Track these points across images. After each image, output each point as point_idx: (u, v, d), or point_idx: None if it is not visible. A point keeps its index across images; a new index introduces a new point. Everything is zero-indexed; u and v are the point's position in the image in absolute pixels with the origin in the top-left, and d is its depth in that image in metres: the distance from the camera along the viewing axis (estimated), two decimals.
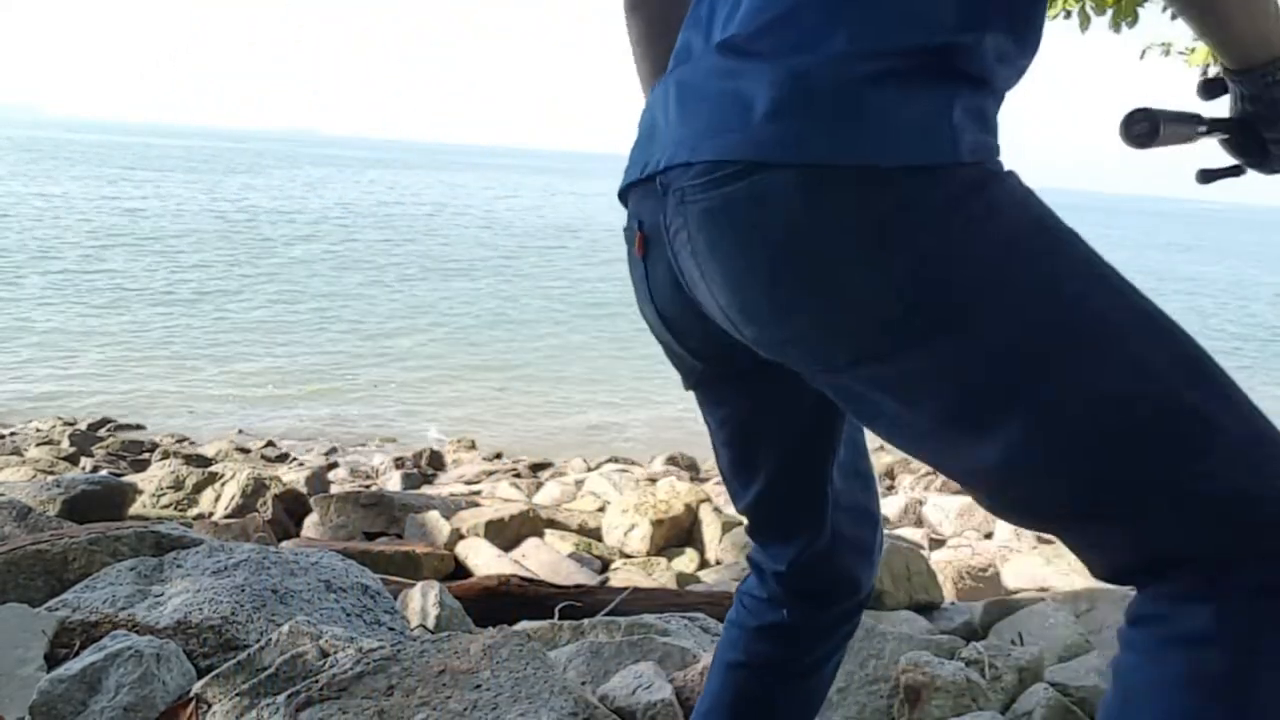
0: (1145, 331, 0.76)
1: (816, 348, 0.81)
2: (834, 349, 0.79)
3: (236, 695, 1.62)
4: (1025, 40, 0.81)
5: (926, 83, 0.75)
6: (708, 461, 9.51)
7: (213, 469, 6.46)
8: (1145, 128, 0.92)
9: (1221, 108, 1.00)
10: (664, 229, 0.86)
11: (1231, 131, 0.98)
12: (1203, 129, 0.97)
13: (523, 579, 3.33)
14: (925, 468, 9.26)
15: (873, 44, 0.76)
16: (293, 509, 5.54)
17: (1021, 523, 0.81)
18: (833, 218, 0.74)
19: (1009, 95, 0.85)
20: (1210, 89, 1.00)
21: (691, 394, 1.10)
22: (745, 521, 1.14)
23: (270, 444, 9.27)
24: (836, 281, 0.76)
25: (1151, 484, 0.71)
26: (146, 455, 8.56)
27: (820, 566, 1.09)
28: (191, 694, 1.72)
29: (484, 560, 4.55)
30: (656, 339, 1.06)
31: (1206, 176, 1.06)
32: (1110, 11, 3.83)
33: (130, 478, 6.46)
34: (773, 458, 1.04)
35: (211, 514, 5.48)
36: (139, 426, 9.60)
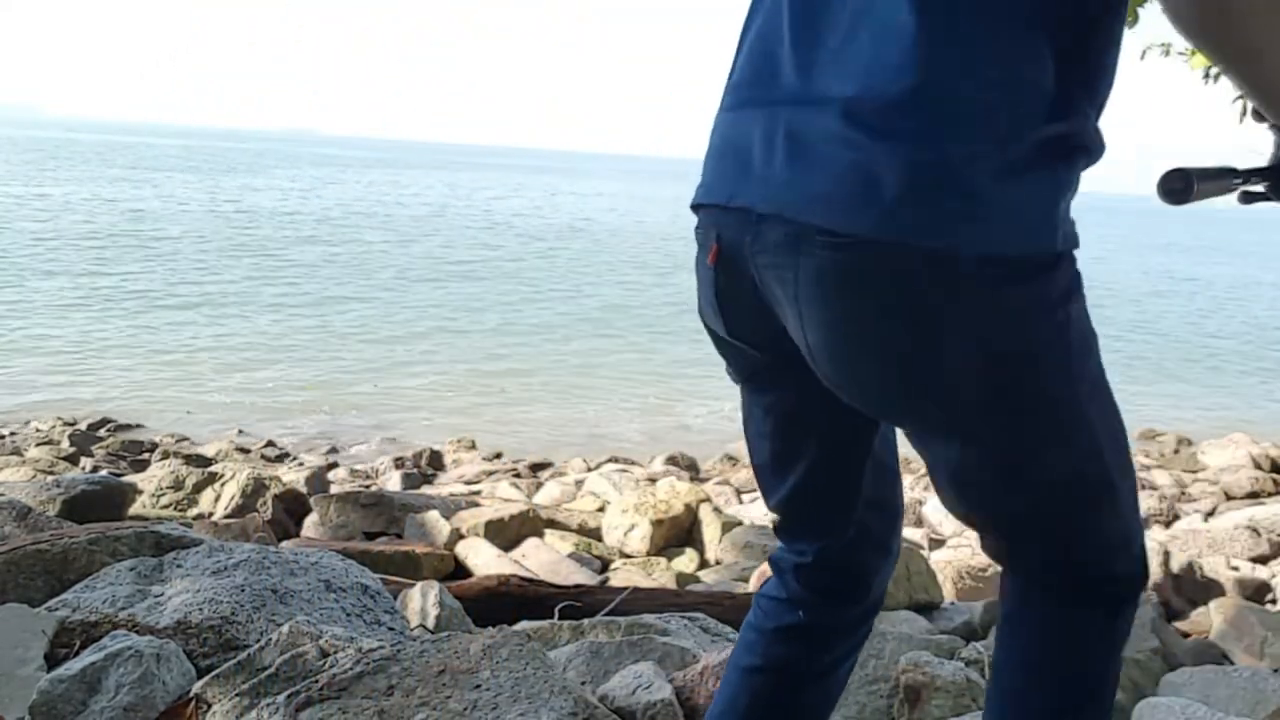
0: (1115, 433, 0.99)
1: (890, 403, 0.97)
2: (906, 407, 0.96)
3: (236, 695, 1.62)
4: (1105, 99, 0.93)
5: (1045, 171, 0.86)
6: (708, 461, 9.52)
7: (213, 469, 6.46)
8: (1180, 185, 1.00)
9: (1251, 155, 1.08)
10: (748, 253, 0.95)
11: (1271, 179, 1.08)
12: (1238, 180, 1.06)
13: (523, 579, 3.33)
14: (925, 468, 9.25)
15: (1002, 137, 0.84)
16: (293, 509, 5.54)
17: (979, 514, 1.04)
18: (947, 299, 0.86)
19: None
20: (1249, 198, 1.13)
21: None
22: (774, 519, 1.19)
23: (270, 444, 9.27)
24: (936, 354, 0.88)
25: (1076, 515, 0.99)
26: (146, 455, 8.56)
27: (844, 562, 1.15)
28: (191, 694, 1.72)
29: (484, 560, 4.56)
30: (712, 333, 1.15)
31: (1248, 198, 1.14)
32: None
33: (130, 478, 6.46)
34: (815, 448, 1.11)
35: (211, 514, 5.48)
36: (139, 426, 9.60)
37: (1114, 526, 0.99)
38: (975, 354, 0.88)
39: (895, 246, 0.84)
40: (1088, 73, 0.89)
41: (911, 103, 0.84)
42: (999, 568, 1.08)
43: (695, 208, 1.06)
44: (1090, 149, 0.90)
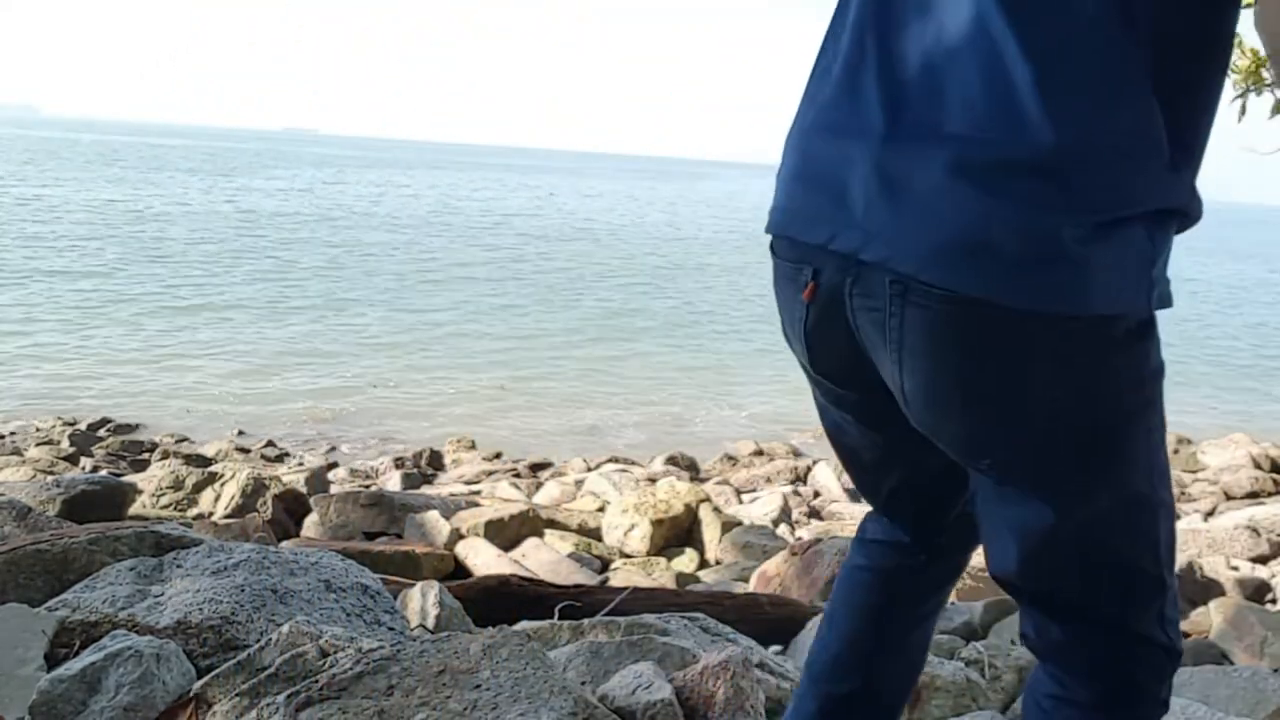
0: (1163, 468, 0.99)
1: (983, 453, 0.97)
2: (1000, 459, 0.96)
3: (236, 695, 1.62)
4: (1201, 161, 0.94)
5: (1148, 237, 0.88)
6: (708, 461, 9.52)
7: (213, 469, 6.46)
8: None
9: None
10: (847, 295, 0.97)
11: None
12: None
13: (523, 579, 3.33)
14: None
15: (1115, 204, 0.85)
16: (293, 509, 5.54)
17: (1042, 583, 1.02)
18: (1053, 358, 0.89)
19: None
20: None
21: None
22: (883, 513, 1.25)
23: (270, 444, 9.27)
24: (1037, 408, 0.91)
25: (1140, 583, 1.00)
26: (146, 455, 8.56)
27: (954, 531, 1.22)
28: (191, 694, 1.72)
29: (484, 560, 4.56)
30: (798, 360, 1.14)
31: None
32: None
33: (130, 478, 6.46)
34: (902, 471, 1.18)
35: (211, 514, 5.48)
36: (139, 426, 9.60)
37: (1163, 599, 0.99)
38: (1073, 409, 0.91)
39: (1006, 309, 0.86)
40: (1192, 136, 0.91)
41: (1029, 165, 0.85)
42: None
43: (781, 237, 1.06)
44: (1189, 213, 0.92)
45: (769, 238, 1.11)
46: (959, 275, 0.86)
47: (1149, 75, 0.85)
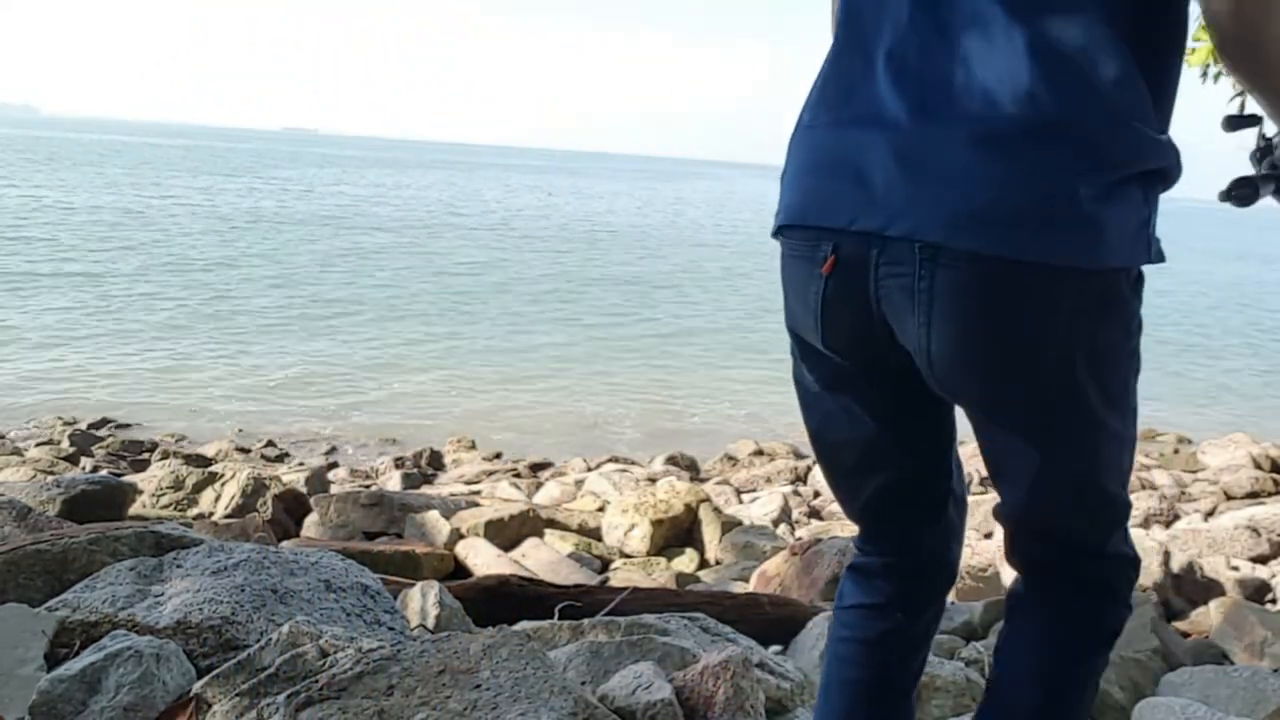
0: (1126, 436, 1.09)
1: (1001, 401, 1.05)
2: (1016, 403, 1.03)
3: (236, 695, 1.62)
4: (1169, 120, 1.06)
5: (1141, 195, 0.98)
6: (708, 461, 9.52)
7: (213, 469, 6.46)
8: (1248, 190, 1.15)
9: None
10: (872, 266, 1.01)
11: None
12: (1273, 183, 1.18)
13: (523, 579, 3.33)
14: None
15: (1116, 164, 0.95)
16: (293, 509, 5.53)
17: (1040, 514, 1.12)
18: (1071, 305, 0.97)
19: None
20: (1235, 123, 1.21)
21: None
22: (861, 526, 1.27)
23: (270, 444, 9.27)
24: (1052, 354, 0.99)
25: (1106, 508, 1.12)
26: (146, 455, 8.56)
27: (934, 553, 1.24)
28: (191, 694, 1.72)
29: (484, 560, 4.56)
30: (800, 341, 1.17)
31: (1232, 123, 1.22)
32: None
33: (130, 478, 6.46)
34: (904, 448, 1.18)
35: (211, 514, 5.48)
36: (139, 426, 9.60)
37: (1127, 519, 1.14)
38: (1090, 357, 1.00)
39: (1030, 265, 0.94)
40: (1164, 96, 1.01)
41: (1040, 132, 0.94)
42: (999, 569, 1.14)
43: (794, 225, 1.10)
44: (1171, 174, 1.02)
45: (774, 233, 1.15)
46: (986, 238, 0.94)
47: (1132, 58, 0.96)
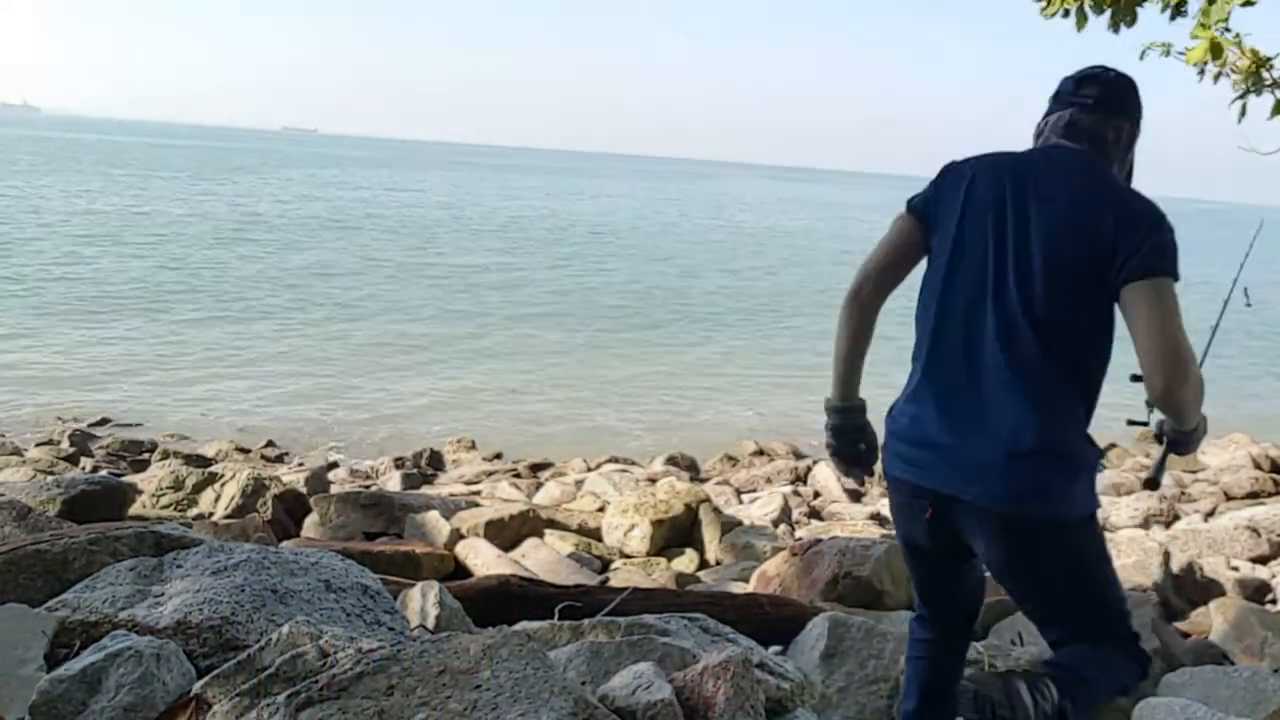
0: (1111, 581, 1.86)
1: (1024, 584, 1.86)
2: (1041, 590, 1.84)
3: (236, 695, 1.62)
4: None
5: (1090, 475, 1.78)
6: (708, 461, 9.52)
7: (213, 469, 6.46)
8: (1159, 478, 2.13)
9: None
10: (956, 510, 1.79)
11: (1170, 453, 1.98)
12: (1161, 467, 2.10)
13: (523, 579, 3.33)
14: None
15: (1079, 461, 1.76)
16: (293, 509, 5.53)
17: (1062, 628, 1.89)
18: (1060, 538, 1.76)
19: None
20: (1152, 484, 2.18)
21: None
22: (924, 602, 2.08)
23: (270, 444, 9.27)
24: (1052, 568, 1.79)
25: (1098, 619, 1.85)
26: (146, 455, 8.55)
27: (965, 611, 2.10)
28: (191, 694, 1.72)
29: (484, 560, 4.55)
30: (916, 551, 1.98)
31: (1154, 484, 2.15)
32: (1109, 11, 3.82)
33: (130, 478, 6.46)
34: (957, 589, 2.05)
35: (211, 514, 5.48)
36: (139, 426, 9.60)
37: (1121, 623, 1.86)
38: (1072, 559, 1.79)
39: (1042, 520, 1.73)
40: (1094, 404, 1.79)
41: (1043, 451, 1.71)
42: None
43: (902, 479, 1.87)
44: (1098, 458, 1.82)
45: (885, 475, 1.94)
46: (1013, 506, 1.72)
47: (1080, 394, 1.75)
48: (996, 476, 1.70)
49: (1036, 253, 1.70)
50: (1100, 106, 1.79)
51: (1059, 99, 1.85)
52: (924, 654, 2.07)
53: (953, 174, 1.83)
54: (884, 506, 7.74)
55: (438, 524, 4.99)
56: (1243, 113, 3.64)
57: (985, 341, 1.74)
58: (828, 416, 1.99)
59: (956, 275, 1.78)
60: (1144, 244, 1.66)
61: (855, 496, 8.39)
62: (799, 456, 9.79)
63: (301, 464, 8.46)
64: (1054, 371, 1.71)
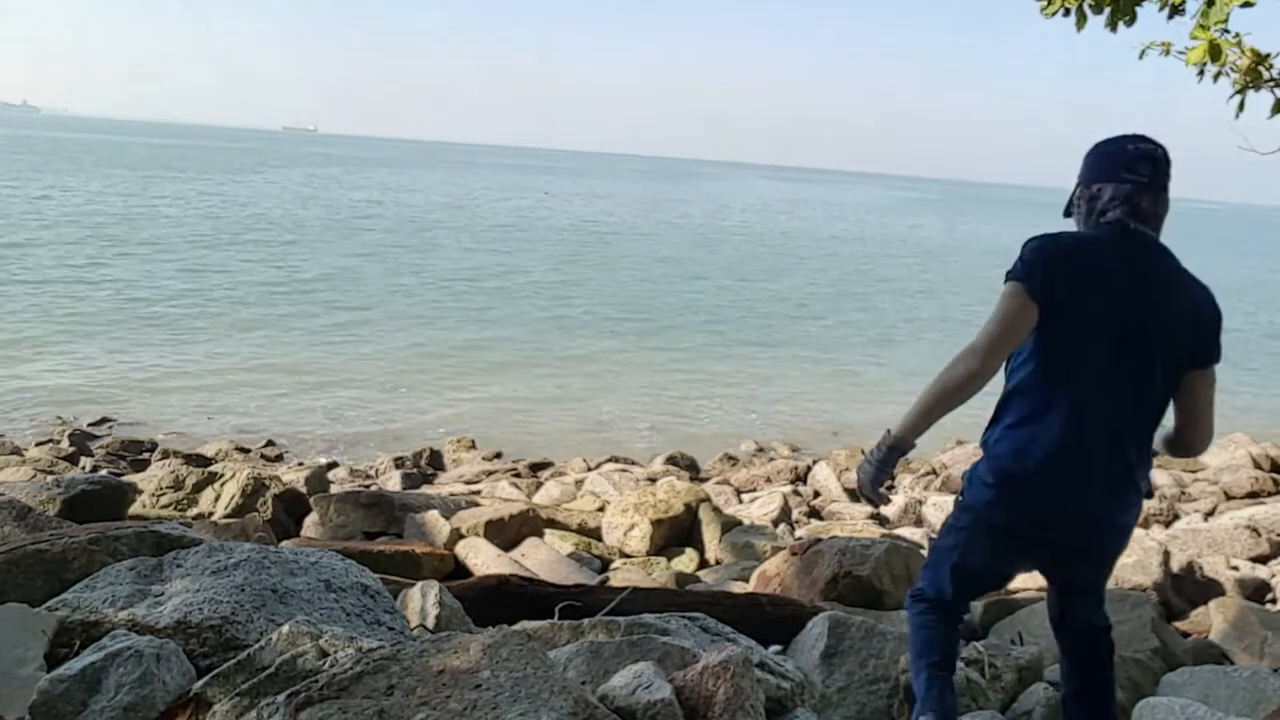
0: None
1: (1105, 570, 2.21)
2: (1109, 571, 2.23)
3: (236, 695, 1.62)
4: None
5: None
6: (708, 461, 9.52)
7: (213, 469, 6.46)
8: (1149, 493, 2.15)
9: None
10: (1068, 537, 2.09)
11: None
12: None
13: (523, 579, 3.33)
14: (925, 468, 9.30)
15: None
16: (293, 509, 5.53)
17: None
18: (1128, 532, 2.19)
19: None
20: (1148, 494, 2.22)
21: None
22: (958, 599, 2.24)
23: (270, 444, 9.27)
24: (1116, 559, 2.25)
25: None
26: (146, 455, 8.55)
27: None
28: (191, 694, 1.72)
29: (484, 560, 4.55)
30: (995, 575, 2.26)
31: (1149, 494, 2.15)
32: (1108, 11, 3.81)
33: (130, 478, 6.46)
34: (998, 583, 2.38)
35: (211, 514, 5.47)
36: (139, 426, 9.60)
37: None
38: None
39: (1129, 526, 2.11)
40: None
41: (1138, 496, 2.05)
42: None
43: (1032, 520, 2.06)
44: None
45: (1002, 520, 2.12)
46: (1127, 518, 2.08)
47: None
48: (1103, 514, 2.02)
49: (1153, 338, 1.96)
50: (1154, 185, 1.97)
51: (1112, 173, 1.98)
52: (946, 623, 2.25)
53: (1058, 255, 1.96)
54: (884, 506, 7.74)
55: (438, 524, 4.99)
56: (1240, 108, 3.64)
57: (1119, 408, 1.98)
58: (885, 452, 2.01)
59: (1084, 350, 1.96)
60: (1218, 338, 2.00)
61: (855, 497, 8.39)
62: (799, 456, 9.79)
63: (301, 464, 8.46)
64: (1151, 427, 2.04)
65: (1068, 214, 2.09)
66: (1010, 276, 1.95)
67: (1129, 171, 1.96)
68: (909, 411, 1.98)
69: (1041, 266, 1.93)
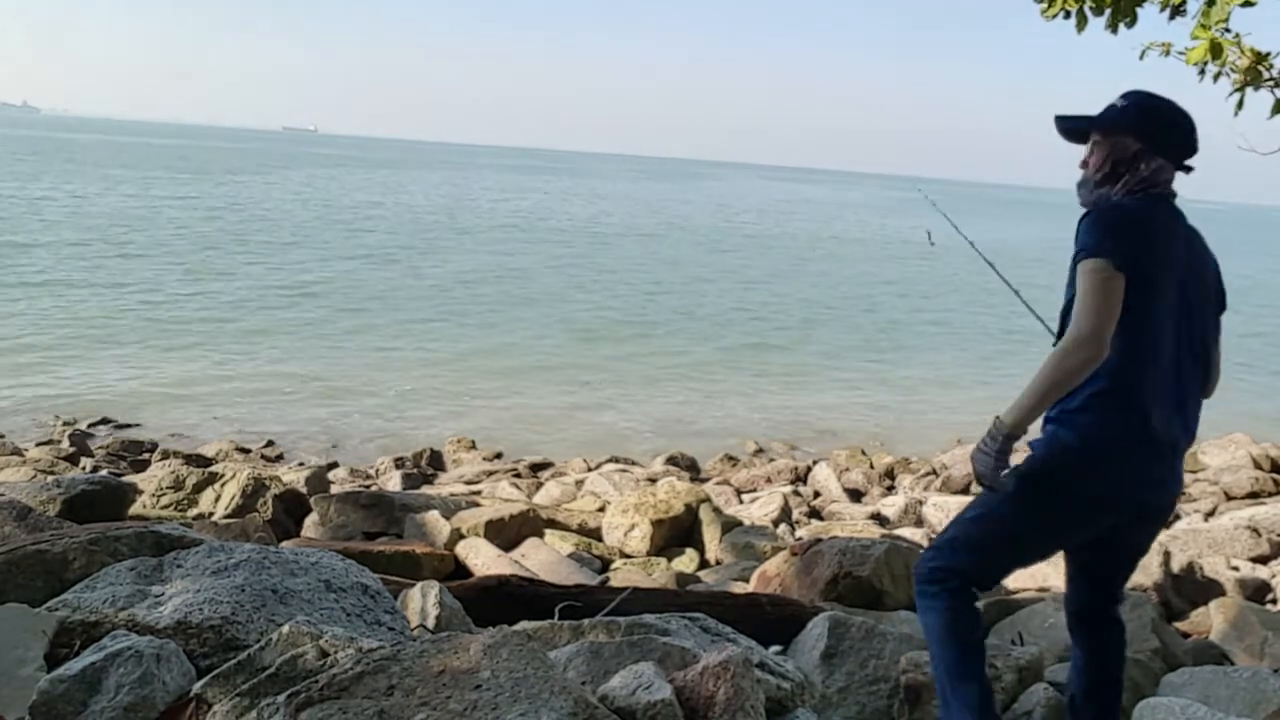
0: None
1: (1154, 535, 2.35)
2: (1158, 532, 2.38)
3: (236, 695, 1.62)
4: None
5: None
6: (708, 461, 9.52)
7: (213, 469, 6.45)
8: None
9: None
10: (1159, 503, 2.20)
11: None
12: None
13: (523, 579, 3.33)
14: (925, 468, 9.30)
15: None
16: (293, 509, 5.53)
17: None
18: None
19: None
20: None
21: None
22: (998, 578, 2.33)
23: (270, 444, 9.27)
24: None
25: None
26: (146, 455, 8.56)
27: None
28: (191, 694, 1.72)
29: (484, 560, 4.55)
30: (1105, 510, 2.14)
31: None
32: (1108, 12, 3.82)
33: (130, 478, 6.46)
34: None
35: (211, 514, 5.47)
36: (139, 426, 9.60)
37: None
38: None
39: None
40: None
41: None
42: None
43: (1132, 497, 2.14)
44: None
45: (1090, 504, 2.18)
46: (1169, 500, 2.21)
47: None
48: (1171, 477, 2.16)
49: (1206, 302, 2.14)
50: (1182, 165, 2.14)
51: (1178, 152, 2.10)
52: (973, 618, 2.23)
53: (1132, 228, 2.03)
54: (884, 506, 7.75)
55: (438, 524, 4.99)
56: (1239, 106, 3.64)
57: (1184, 370, 2.11)
58: (1002, 441, 2.01)
59: (1160, 319, 2.05)
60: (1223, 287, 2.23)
61: (855, 496, 8.40)
62: (799, 456, 9.79)
63: (301, 464, 8.46)
64: (1202, 385, 2.20)
65: (1113, 176, 2.12)
66: (1091, 253, 1.96)
67: (1185, 150, 2.10)
68: (1020, 401, 1.98)
69: (1124, 240, 1.98)
